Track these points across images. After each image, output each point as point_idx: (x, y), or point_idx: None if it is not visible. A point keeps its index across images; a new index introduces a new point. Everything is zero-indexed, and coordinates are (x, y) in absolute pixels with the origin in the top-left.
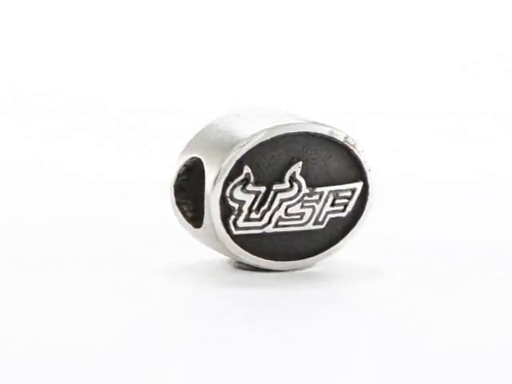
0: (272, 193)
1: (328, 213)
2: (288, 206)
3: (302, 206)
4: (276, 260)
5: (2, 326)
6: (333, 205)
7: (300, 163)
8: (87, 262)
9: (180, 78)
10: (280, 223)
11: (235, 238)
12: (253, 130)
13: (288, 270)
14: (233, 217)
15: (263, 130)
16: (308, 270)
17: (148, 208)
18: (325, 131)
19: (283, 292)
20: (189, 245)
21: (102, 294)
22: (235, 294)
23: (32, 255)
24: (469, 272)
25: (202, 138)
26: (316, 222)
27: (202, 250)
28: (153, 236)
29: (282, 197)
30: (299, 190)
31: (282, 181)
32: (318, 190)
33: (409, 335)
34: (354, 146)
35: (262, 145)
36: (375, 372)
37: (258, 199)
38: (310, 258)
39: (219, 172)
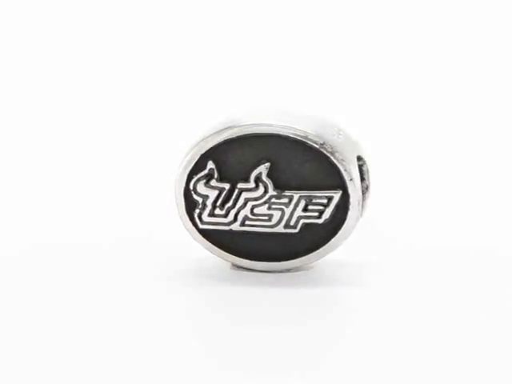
0: (236, 191)
1: (300, 217)
2: (254, 206)
3: (270, 208)
4: (252, 260)
5: (5, 328)
6: (305, 210)
7: (267, 164)
8: (86, 261)
9: (198, 77)
10: (247, 222)
11: (203, 233)
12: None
13: (268, 272)
14: (197, 210)
15: (230, 128)
16: (305, 270)
17: (147, 208)
18: (298, 136)
19: (280, 292)
20: (188, 244)
21: (100, 294)
22: (231, 294)
23: (32, 258)
24: (466, 272)
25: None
26: (287, 226)
27: (200, 250)
28: (151, 235)
29: (247, 196)
30: (265, 192)
31: (247, 180)
32: (288, 193)
33: (405, 336)
34: (331, 153)
35: (229, 142)
36: (371, 372)
37: (222, 196)
38: (290, 262)
39: (183, 164)
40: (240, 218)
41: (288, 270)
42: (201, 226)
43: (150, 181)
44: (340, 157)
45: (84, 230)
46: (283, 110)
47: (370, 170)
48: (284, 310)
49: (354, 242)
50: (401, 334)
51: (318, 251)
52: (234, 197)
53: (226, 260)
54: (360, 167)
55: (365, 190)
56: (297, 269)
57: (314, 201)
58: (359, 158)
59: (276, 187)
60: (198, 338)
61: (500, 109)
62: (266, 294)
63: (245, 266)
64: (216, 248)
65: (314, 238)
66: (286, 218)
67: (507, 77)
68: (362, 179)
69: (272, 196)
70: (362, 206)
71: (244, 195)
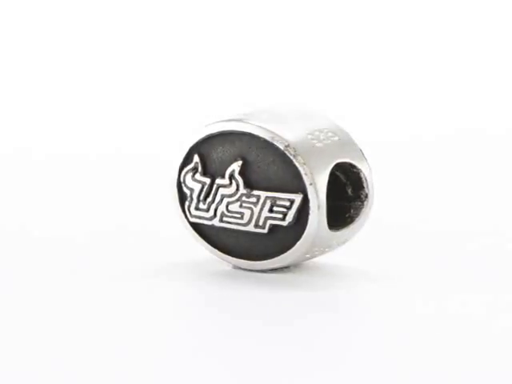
0: (215, 186)
1: (267, 218)
2: (228, 203)
3: (241, 206)
4: (234, 257)
5: (3, 328)
6: (271, 211)
7: (239, 162)
8: (85, 261)
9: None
10: (224, 219)
11: (194, 226)
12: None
13: (251, 271)
14: (187, 203)
15: (212, 124)
16: (305, 271)
17: (148, 207)
18: (266, 136)
19: (279, 294)
20: (188, 244)
21: (99, 294)
22: (229, 295)
23: (29, 254)
24: (462, 278)
25: None
26: (257, 226)
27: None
28: (151, 235)
29: (223, 192)
30: (237, 189)
31: (224, 176)
32: (255, 192)
33: (397, 339)
34: (294, 156)
35: (212, 137)
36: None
37: (204, 190)
38: (263, 262)
39: (177, 156)
40: (218, 213)
41: (272, 270)
42: (190, 219)
43: (152, 179)
44: (302, 160)
45: (84, 229)
46: (277, 110)
47: (368, 178)
48: (280, 312)
49: (356, 247)
50: (393, 338)
51: (286, 254)
52: (213, 192)
53: (214, 255)
54: (357, 175)
55: (364, 198)
56: (261, 270)
57: (277, 202)
58: (352, 166)
59: (246, 186)
60: (193, 336)
61: (502, 112)
62: (262, 294)
63: (230, 262)
64: (205, 242)
65: (282, 239)
66: (255, 217)
67: (506, 80)
68: (361, 187)
69: (243, 194)
70: (358, 215)
71: (220, 191)
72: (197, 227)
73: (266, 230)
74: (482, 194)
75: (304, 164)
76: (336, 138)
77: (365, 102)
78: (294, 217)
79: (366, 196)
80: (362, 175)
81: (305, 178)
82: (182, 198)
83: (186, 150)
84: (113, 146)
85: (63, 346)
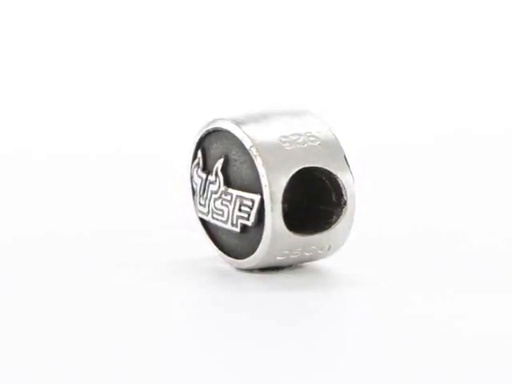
0: (207, 182)
1: (238, 217)
2: (215, 200)
3: (222, 203)
4: (226, 254)
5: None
6: (240, 210)
7: (221, 160)
8: (86, 260)
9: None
10: (213, 215)
11: (201, 221)
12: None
13: (242, 269)
14: (194, 197)
15: (212, 121)
16: (304, 273)
17: (149, 207)
18: (239, 135)
19: (279, 294)
20: (189, 243)
21: (100, 293)
22: (229, 295)
23: (30, 251)
24: (456, 276)
25: None
26: (232, 224)
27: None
28: (151, 235)
29: (211, 189)
30: (219, 187)
31: (212, 173)
32: (230, 191)
33: (396, 340)
34: (255, 156)
35: (209, 134)
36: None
37: (202, 185)
38: (240, 261)
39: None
40: (210, 209)
41: (269, 271)
42: (197, 214)
43: (153, 177)
44: (260, 162)
45: (86, 228)
46: (270, 111)
47: (347, 185)
48: (276, 310)
49: (356, 249)
50: (391, 339)
51: (254, 255)
52: (206, 188)
53: (216, 253)
54: (335, 180)
55: (343, 204)
56: (284, 269)
57: (243, 202)
58: (331, 173)
59: (225, 183)
60: (193, 336)
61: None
62: (262, 294)
63: (225, 261)
64: (209, 238)
65: (251, 240)
66: (230, 215)
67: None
68: (341, 194)
69: (222, 192)
70: (336, 222)
71: (210, 187)
72: (203, 222)
73: (238, 229)
74: (475, 197)
75: (262, 165)
76: (316, 143)
77: (370, 107)
78: (255, 217)
79: (345, 203)
80: (340, 182)
81: (262, 179)
82: (194, 192)
83: (194, 145)
84: (113, 146)
85: (62, 345)
